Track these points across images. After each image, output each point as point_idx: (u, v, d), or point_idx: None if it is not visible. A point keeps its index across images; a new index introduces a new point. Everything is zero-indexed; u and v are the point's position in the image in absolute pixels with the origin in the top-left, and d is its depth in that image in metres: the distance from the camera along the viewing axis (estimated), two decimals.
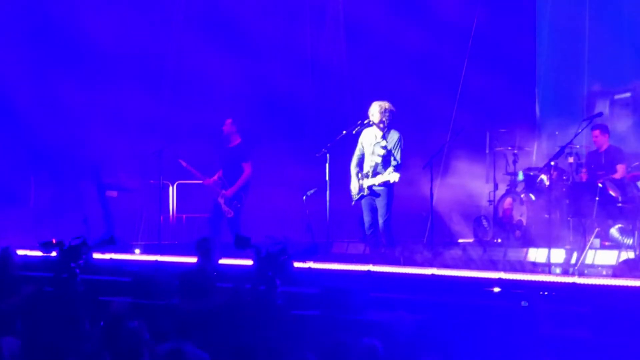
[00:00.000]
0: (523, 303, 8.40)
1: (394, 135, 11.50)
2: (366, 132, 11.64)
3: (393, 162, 11.45)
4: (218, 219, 13.31)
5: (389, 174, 11.37)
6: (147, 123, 15.49)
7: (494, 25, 14.99)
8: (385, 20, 15.44)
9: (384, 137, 11.50)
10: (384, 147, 11.46)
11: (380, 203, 11.47)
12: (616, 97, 14.59)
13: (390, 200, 11.48)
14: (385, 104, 11.56)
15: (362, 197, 11.57)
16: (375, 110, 11.52)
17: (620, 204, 11.53)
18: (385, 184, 11.43)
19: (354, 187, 11.66)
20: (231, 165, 13.31)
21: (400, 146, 11.48)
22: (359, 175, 11.61)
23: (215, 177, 13.35)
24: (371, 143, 11.56)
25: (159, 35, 15.57)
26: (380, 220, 11.48)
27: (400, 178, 11.48)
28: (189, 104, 16.09)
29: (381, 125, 11.52)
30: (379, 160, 11.48)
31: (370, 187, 11.49)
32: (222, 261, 9.93)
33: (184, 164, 13.62)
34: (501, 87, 14.85)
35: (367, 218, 11.61)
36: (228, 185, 13.22)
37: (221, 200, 13.20)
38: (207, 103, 15.90)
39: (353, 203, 11.76)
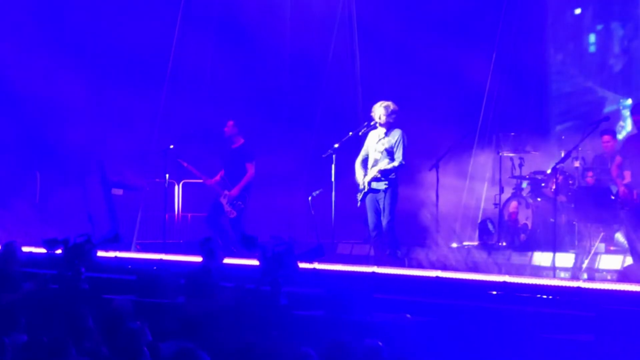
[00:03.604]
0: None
1: (396, 134, 11.44)
2: (371, 133, 11.60)
3: (395, 158, 11.34)
4: (216, 218, 13.27)
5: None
6: (153, 121, 15.46)
7: (503, 29, 14.94)
8: (395, 21, 15.40)
9: (386, 135, 11.46)
10: (385, 145, 11.40)
11: (384, 203, 11.39)
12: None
13: (394, 201, 11.38)
14: (389, 104, 11.50)
15: (365, 194, 11.48)
16: (379, 111, 11.47)
17: (626, 209, 11.47)
18: (389, 183, 11.32)
19: (359, 184, 11.60)
20: (235, 166, 13.27)
21: (403, 143, 11.38)
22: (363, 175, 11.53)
23: (217, 177, 13.32)
24: (374, 142, 11.52)
25: (164, 35, 15.54)
26: (384, 222, 11.38)
27: (405, 180, 11.40)
28: (194, 103, 16.06)
29: (385, 125, 11.47)
30: (379, 156, 11.42)
31: (369, 183, 11.42)
32: (226, 261, 9.94)
33: (184, 164, 13.59)
34: (509, 91, 14.80)
35: (371, 219, 11.50)
36: (230, 185, 13.18)
37: (224, 201, 13.16)
38: (213, 102, 15.87)
39: (358, 204, 11.69)
